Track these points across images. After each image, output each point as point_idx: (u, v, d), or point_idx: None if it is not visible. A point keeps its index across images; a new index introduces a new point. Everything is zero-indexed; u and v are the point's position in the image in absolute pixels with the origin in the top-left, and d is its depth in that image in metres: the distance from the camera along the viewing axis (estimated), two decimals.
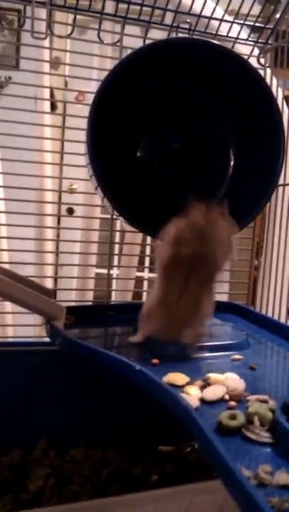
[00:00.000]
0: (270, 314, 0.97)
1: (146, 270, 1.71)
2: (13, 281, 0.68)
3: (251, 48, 0.95)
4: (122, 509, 0.60)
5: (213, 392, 0.53)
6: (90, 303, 1.15)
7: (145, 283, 1.67)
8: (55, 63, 1.53)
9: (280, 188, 0.95)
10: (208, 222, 0.65)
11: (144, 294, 1.47)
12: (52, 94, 1.53)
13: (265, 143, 0.79)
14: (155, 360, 0.63)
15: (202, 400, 0.53)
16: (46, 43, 0.95)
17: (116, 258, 1.34)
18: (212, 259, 0.64)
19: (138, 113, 0.84)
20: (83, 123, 0.76)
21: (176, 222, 0.67)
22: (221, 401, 0.53)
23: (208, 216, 0.66)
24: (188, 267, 0.64)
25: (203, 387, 0.55)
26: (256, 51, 0.96)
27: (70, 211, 1.68)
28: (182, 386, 0.55)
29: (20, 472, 0.83)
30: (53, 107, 1.61)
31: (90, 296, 1.22)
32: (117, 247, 1.49)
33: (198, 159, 0.86)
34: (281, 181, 0.86)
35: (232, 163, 0.85)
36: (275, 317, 0.94)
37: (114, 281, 1.25)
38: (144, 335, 0.69)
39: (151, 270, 1.72)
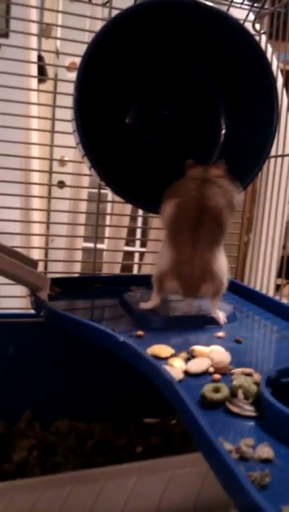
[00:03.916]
0: (258, 289, 0.96)
1: (138, 243, 1.70)
2: None
3: (246, 12, 0.91)
4: (105, 480, 0.60)
5: (197, 365, 0.53)
6: (77, 275, 1.13)
7: (136, 256, 1.66)
8: (47, 26, 1.48)
9: (272, 160, 0.93)
10: (208, 177, 0.67)
11: (135, 267, 1.46)
12: (42, 68, 1.49)
13: (258, 110, 0.76)
14: (140, 332, 0.62)
15: (186, 373, 0.52)
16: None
17: (106, 231, 1.32)
18: (216, 210, 0.64)
19: (127, 78, 0.81)
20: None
21: (176, 183, 0.68)
22: (205, 374, 0.52)
23: (208, 172, 0.68)
24: (193, 223, 0.64)
25: (187, 360, 0.54)
26: (251, 16, 0.92)
27: (61, 187, 1.65)
28: (166, 358, 0.55)
29: (4, 443, 0.83)
30: (43, 74, 1.56)
31: (77, 268, 1.20)
32: (107, 220, 1.48)
33: (188, 127, 0.83)
34: (273, 153, 0.83)
35: (223, 131, 0.82)
36: (264, 292, 0.93)
37: (104, 255, 1.23)
38: (158, 300, 0.68)
39: (142, 244, 1.71)
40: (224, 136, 0.83)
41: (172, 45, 0.79)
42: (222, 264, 0.65)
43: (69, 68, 1.76)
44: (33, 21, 1.07)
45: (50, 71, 1.65)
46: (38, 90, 1.17)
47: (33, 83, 1.16)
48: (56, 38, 1.50)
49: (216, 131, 0.83)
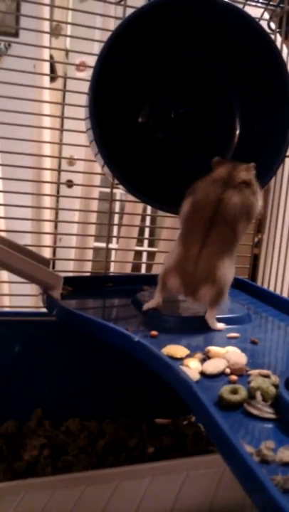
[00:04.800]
0: (272, 290, 0.95)
1: (146, 243, 1.70)
2: (10, 250, 0.66)
3: (261, 11, 0.91)
4: (118, 481, 0.60)
5: (213, 366, 0.52)
6: (88, 274, 1.13)
7: (144, 255, 1.65)
8: (56, 25, 1.48)
9: (287, 160, 0.92)
10: (232, 181, 0.64)
11: (144, 266, 1.46)
12: (52, 67, 1.48)
13: (273, 109, 0.76)
14: (154, 332, 0.61)
15: (202, 374, 0.51)
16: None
17: (115, 230, 1.32)
18: (231, 217, 0.63)
19: (140, 77, 0.80)
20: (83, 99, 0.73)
21: (200, 180, 0.67)
22: (221, 375, 0.51)
23: (234, 174, 0.65)
24: (207, 224, 0.63)
25: (203, 361, 0.54)
26: (266, 15, 0.92)
27: (70, 186, 1.65)
28: (181, 359, 0.54)
29: (14, 442, 0.83)
30: (53, 73, 1.56)
31: (88, 267, 1.20)
32: (116, 219, 1.47)
33: (203, 126, 0.83)
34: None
35: (238, 130, 0.82)
36: (278, 292, 0.92)
37: (113, 254, 1.23)
38: (160, 298, 0.67)
39: (150, 243, 1.70)
40: (239, 136, 0.82)
41: (187, 43, 0.79)
42: (227, 272, 0.64)
43: (79, 68, 1.76)
44: (44, 19, 1.07)
45: (60, 70, 1.65)
46: (48, 88, 1.18)
47: (45, 82, 1.16)
48: (66, 36, 1.50)
49: (230, 131, 0.82)
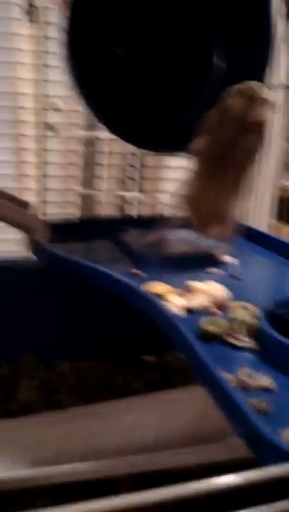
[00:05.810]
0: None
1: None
2: None
3: None
4: (105, 415, 0.62)
5: (195, 300, 0.53)
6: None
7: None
8: None
9: None
10: (247, 111, 0.61)
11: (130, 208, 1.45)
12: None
13: (254, 37, 0.73)
14: (137, 271, 0.62)
15: (184, 308, 0.52)
16: None
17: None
18: (246, 155, 0.64)
19: (115, 7, 0.77)
20: None
21: (214, 110, 0.64)
22: (204, 309, 0.52)
23: (249, 104, 0.61)
24: (221, 160, 0.63)
25: (185, 296, 0.54)
26: None
27: (52, 128, 1.60)
28: (164, 295, 0.54)
29: (8, 384, 0.85)
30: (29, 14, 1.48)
31: (73, 211, 1.19)
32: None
33: (178, 58, 0.79)
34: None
35: (215, 61, 0.79)
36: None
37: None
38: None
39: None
40: (217, 66, 0.80)
41: None
42: (234, 211, 0.67)
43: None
44: None
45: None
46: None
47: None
48: None
49: (207, 62, 0.79)
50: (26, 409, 0.79)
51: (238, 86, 0.62)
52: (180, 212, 0.68)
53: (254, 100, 0.61)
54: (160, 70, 0.80)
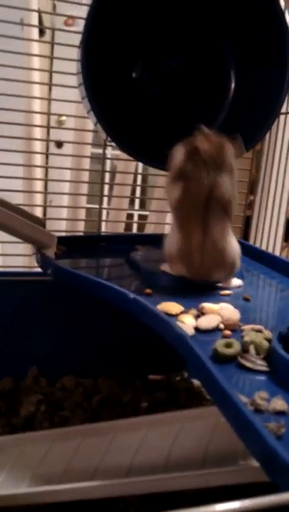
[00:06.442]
0: (263, 248, 0.96)
1: (137, 203, 1.69)
2: (5, 209, 0.65)
3: None
4: (114, 433, 0.62)
5: (207, 321, 0.53)
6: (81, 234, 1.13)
7: (135, 215, 1.65)
8: None
9: (282, 117, 0.91)
10: (215, 149, 0.62)
11: (135, 226, 1.46)
12: (40, 20, 1.43)
13: (270, 64, 0.74)
14: (148, 290, 0.62)
15: (197, 329, 0.52)
16: None
17: (107, 191, 1.31)
18: (227, 195, 0.62)
19: (134, 30, 0.78)
20: (73, 52, 0.71)
21: (180, 149, 0.64)
22: (215, 330, 0.52)
23: (215, 141, 0.63)
24: (203, 205, 0.62)
25: (197, 317, 0.55)
26: None
27: (59, 145, 1.62)
28: (176, 315, 0.55)
29: (12, 399, 0.84)
30: (41, 33, 1.50)
31: (80, 227, 1.20)
32: (108, 180, 1.46)
33: (197, 82, 0.81)
34: (283, 109, 0.81)
35: (233, 85, 0.80)
36: (269, 251, 0.93)
37: (104, 214, 1.23)
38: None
39: (142, 204, 1.69)
40: (233, 92, 0.81)
41: None
42: (234, 248, 0.65)
43: (67, 22, 1.70)
44: None
45: (47, 23, 1.59)
46: (37, 40, 1.14)
47: (34, 35, 1.12)
48: None
49: (224, 86, 0.81)
50: (30, 425, 0.79)
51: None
52: (175, 270, 0.66)
53: (224, 143, 0.63)
54: (175, 91, 0.81)
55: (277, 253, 0.96)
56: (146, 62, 0.80)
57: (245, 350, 0.47)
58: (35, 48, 1.13)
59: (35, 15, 1.12)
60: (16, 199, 0.94)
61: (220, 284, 0.65)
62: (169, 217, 1.16)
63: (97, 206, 0.93)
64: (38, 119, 1.12)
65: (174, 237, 0.65)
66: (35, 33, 1.13)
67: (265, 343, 0.47)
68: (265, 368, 0.44)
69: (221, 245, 0.63)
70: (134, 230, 1.71)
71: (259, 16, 0.74)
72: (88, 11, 0.67)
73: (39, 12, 1.25)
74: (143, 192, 1.80)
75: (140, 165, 1.30)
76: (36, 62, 1.11)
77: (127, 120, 0.81)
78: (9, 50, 0.84)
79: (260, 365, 0.45)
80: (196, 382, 0.89)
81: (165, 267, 0.69)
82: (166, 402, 0.83)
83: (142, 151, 0.77)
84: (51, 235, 0.71)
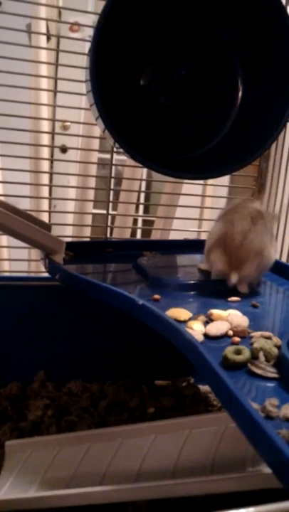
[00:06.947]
0: None
1: (141, 209, 1.69)
2: (14, 215, 0.66)
3: None
4: (122, 438, 0.62)
5: (216, 328, 0.53)
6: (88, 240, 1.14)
7: (139, 221, 1.66)
8: None
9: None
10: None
11: (139, 232, 1.46)
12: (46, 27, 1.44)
13: (277, 69, 0.75)
14: (157, 296, 0.62)
15: (205, 335, 0.53)
16: None
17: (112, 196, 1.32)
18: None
19: (142, 37, 0.79)
20: (78, 59, 0.72)
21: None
22: (224, 337, 0.53)
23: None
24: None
25: (206, 323, 0.55)
26: None
27: (64, 150, 1.63)
28: (185, 321, 0.55)
29: (19, 403, 0.85)
30: (47, 39, 1.52)
31: (86, 233, 1.20)
32: (113, 186, 1.47)
33: (205, 89, 0.82)
34: None
35: (240, 93, 0.81)
36: (277, 257, 0.93)
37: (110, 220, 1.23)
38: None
39: (146, 210, 1.70)
40: (241, 99, 0.82)
41: (189, 2, 0.77)
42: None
43: (72, 28, 1.71)
44: None
45: (53, 30, 1.61)
46: (44, 48, 1.15)
47: (41, 42, 1.13)
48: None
49: (232, 94, 0.81)
50: (37, 429, 0.79)
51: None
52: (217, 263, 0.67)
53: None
54: (183, 99, 0.82)
55: (284, 259, 0.96)
56: (155, 70, 0.80)
57: (254, 356, 0.47)
58: (43, 55, 1.14)
59: (43, 22, 1.13)
60: (23, 205, 0.95)
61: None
62: (175, 224, 1.17)
63: (104, 212, 0.93)
64: (45, 126, 1.13)
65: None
66: (42, 40, 1.13)
67: (275, 350, 0.47)
68: (275, 375, 0.45)
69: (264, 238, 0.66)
70: (138, 235, 1.71)
71: (266, 25, 0.74)
72: (98, 19, 0.68)
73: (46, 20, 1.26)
74: (147, 198, 1.81)
75: (145, 171, 1.31)
76: (44, 69, 1.12)
77: (136, 127, 0.81)
78: (16, 58, 0.85)
79: (270, 371, 0.45)
80: (202, 388, 0.90)
81: (203, 265, 0.72)
82: (172, 407, 0.83)
83: (150, 156, 0.77)
84: (60, 240, 0.72)
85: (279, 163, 0.97)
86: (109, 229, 0.97)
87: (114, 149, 0.92)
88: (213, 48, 0.80)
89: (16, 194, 0.93)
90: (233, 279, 0.64)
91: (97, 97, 0.70)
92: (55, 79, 1.12)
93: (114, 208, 1.21)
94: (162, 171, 0.74)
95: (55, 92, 1.14)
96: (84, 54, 0.80)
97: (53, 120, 1.30)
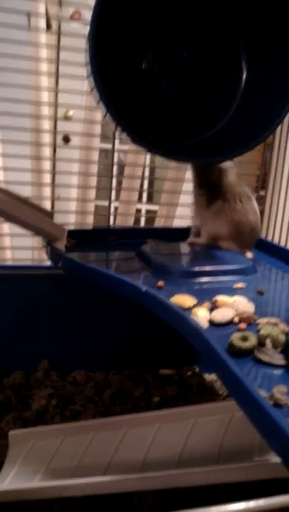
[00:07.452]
0: (275, 242, 0.95)
1: (145, 197, 1.67)
2: (17, 202, 0.65)
3: None
4: (127, 427, 0.61)
5: (221, 314, 0.52)
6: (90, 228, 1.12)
7: (143, 209, 1.64)
8: None
9: None
10: None
11: (142, 220, 1.45)
12: (46, 16, 1.42)
13: (282, 57, 0.73)
14: (160, 283, 0.61)
15: (211, 322, 0.51)
16: None
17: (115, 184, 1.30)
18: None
19: (143, 21, 0.77)
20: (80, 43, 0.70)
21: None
22: (230, 323, 0.51)
23: None
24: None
25: (211, 310, 0.54)
26: None
27: (66, 139, 1.61)
28: (190, 308, 0.54)
29: (23, 392, 0.84)
30: (48, 26, 1.49)
31: (89, 221, 1.19)
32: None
33: (208, 73, 0.80)
34: None
35: (244, 75, 0.79)
36: (281, 244, 0.92)
37: (113, 209, 1.22)
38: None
39: (150, 197, 1.68)
40: (245, 84, 0.80)
41: None
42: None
43: (73, 17, 1.68)
44: None
45: (54, 17, 1.58)
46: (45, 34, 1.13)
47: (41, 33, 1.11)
48: None
49: (236, 78, 0.79)
50: (41, 419, 0.79)
51: None
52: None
53: None
54: (186, 84, 0.80)
55: None
56: (157, 53, 0.78)
57: (261, 343, 0.46)
58: (43, 39, 1.12)
59: (43, 7, 1.11)
60: (25, 192, 0.94)
61: None
62: (178, 211, 1.15)
63: (107, 201, 0.92)
64: (46, 112, 1.11)
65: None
66: (42, 24, 1.11)
67: (282, 337, 0.46)
68: (282, 362, 0.44)
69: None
70: (142, 223, 1.70)
71: (271, 8, 0.72)
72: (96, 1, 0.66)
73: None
74: (150, 185, 1.78)
75: (148, 158, 1.29)
76: (44, 54, 1.10)
77: (137, 111, 0.80)
78: (16, 40, 0.83)
79: (278, 358, 0.44)
80: (207, 376, 0.89)
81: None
82: (177, 396, 0.82)
83: (152, 141, 0.76)
84: (62, 227, 0.71)
85: (283, 153, 0.96)
86: (112, 217, 0.95)
87: (116, 136, 0.91)
88: (216, 30, 0.78)
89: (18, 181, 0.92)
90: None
91: (97, 80, 0.68)
92: (56, 75, 1.10)
93: (118, 197, 1.20)
94: (161, 154, 0.72)
95: (56, 76, 1.12)
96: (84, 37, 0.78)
97: (55, 105, 1.28)
